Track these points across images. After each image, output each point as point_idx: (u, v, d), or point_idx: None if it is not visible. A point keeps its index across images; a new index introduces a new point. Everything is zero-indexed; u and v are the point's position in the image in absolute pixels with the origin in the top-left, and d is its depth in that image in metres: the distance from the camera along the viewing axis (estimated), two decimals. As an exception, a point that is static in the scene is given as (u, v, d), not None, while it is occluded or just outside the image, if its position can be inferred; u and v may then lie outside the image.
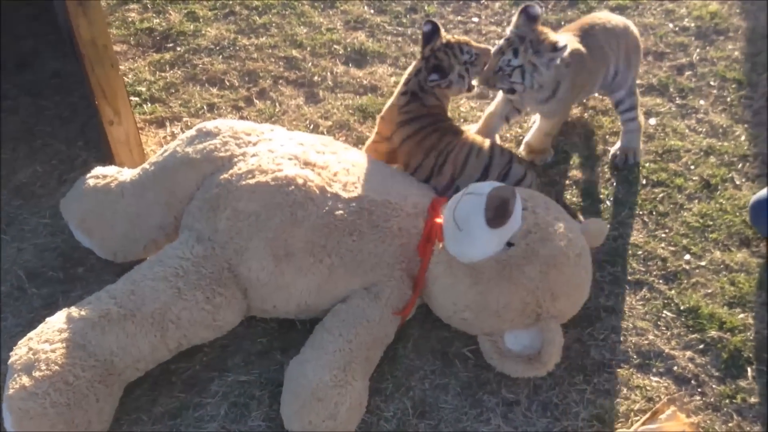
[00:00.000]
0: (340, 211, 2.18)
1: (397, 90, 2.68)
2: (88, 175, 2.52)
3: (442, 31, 2.64)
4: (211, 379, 2.18)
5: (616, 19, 2.79)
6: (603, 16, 2.80)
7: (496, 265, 2.07)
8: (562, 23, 3.72)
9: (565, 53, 2.44)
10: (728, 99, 3.17)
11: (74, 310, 2.02)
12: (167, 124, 3.25)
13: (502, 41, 2.54)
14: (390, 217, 2.23)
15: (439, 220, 2.18)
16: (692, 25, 3.65)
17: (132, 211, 2.37)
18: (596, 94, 3.07)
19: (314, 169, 2.26)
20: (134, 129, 2.83)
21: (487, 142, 2.54)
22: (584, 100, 3.10)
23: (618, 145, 2.88)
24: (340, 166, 2.31)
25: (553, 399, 2.12)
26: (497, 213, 2.00)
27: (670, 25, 3.66)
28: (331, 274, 2.15)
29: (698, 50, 3.47)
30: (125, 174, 2.48)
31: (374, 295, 2.16)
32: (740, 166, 2.84)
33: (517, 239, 2.08)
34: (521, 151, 2.88)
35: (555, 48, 2.43)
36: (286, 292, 2.16)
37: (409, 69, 2.66)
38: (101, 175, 2.49)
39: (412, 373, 2.20)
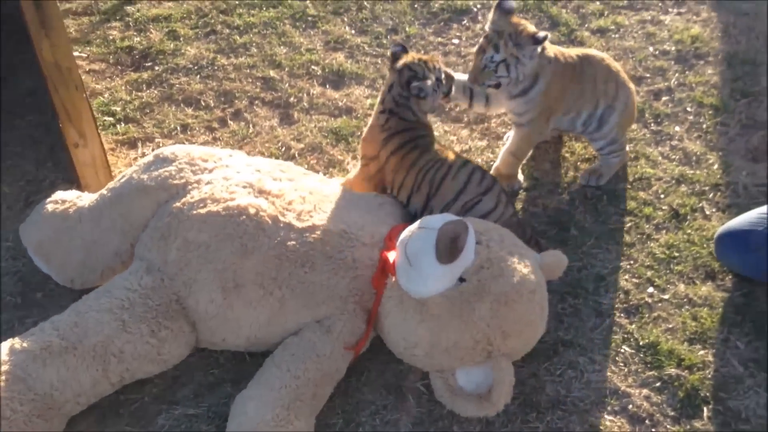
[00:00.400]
0: (293, 242, 2.15)
1: (374, 111, 2.67)
2: (48, 200, 2.51)
3: (411, 52, 2.63)
4: (159, 411, 2.16)
5: (624, 75, 2.80)
6: (614, 63, 2.80)
7: (447, 302, 2.04)
8: (542, 45, 3.69)
9: (546, 42, 2.50)
10: (704, 126, 3.14)
11: (17, 342, 2.00)
12: (139, 144, 3.24)
13: (481, 39, 2.57)
14: (344, 247, 2.20)
15: (391, 254, 2.15)
16: (673, 48, 3.62)
17: (89, 238, 2.36)
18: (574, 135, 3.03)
19: (268, 197, 2.24)
20: (101, 151, 2.82)
21: (469, 166, 2.49)
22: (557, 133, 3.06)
23: (593, 166, 2.87)
24: (296, 193, 2.29)
25: (505, 436, 2.08)
26: (448, 249, 1.98)
27: (651, 49, 3.63)
28: (281, 307, 2.13)
29: (677, 75, 3.43)
30: (84, 199, 2.47)
31: (326, 329, 2.13)
32: (711, 195, 2.80)
33: (469, 275, 2.05)
34: None
35: (535, 38, 2.47)
36: (235, 325, 2.13)
37: (383, 89, 2.65)
38: (60, 200, 2.49)
39: (363, 408, 2.17)
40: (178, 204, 2.24)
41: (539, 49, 2.52)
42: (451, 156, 2.52)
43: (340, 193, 2.41)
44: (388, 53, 2.60)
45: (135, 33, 3.98)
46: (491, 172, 2.85)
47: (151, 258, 2.19)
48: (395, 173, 2.54)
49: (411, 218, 2.45)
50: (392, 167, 2.55)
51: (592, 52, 2.79)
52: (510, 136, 2.87)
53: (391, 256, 2.14)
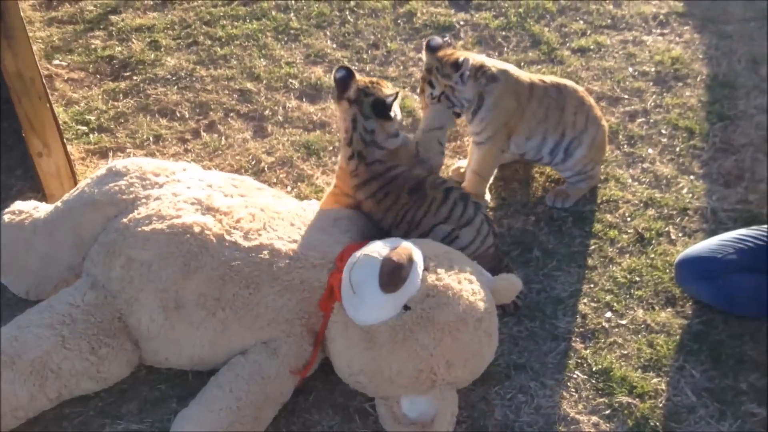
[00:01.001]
0: (238, 262, 2.13)
1: (341, 153, 2.52)
2: (6, 210, 2.51)
3: (357, 75, 2.52)
4: (103, 426, 2.14)
5: (598, 112, 2.81)
6: (588, 97, 2.82)
7: (390, 331, 2.01)
8: (522, 64, 3.68)
9: (468, 66, 2.56)
10: (677, 148, 3.11)
11: (-42, 354, 1.99)
12: (110, 154, 3.24)
13: (421, 79, 2.69)
14: (292, 269, 2.17)
15: (339, 278, 2.12)
16: (652, 69, 3.59)
17: (43, 250, 2.35)
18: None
19: (216, 215, 2.22)
20: (65, 161, 2.82)
21: (450, 200, 2.40)
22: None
23: (560, 188, 2.86)
24: (246, 211, 2.26)
25: (450, 461, 2.05)
26: (390, 278, 1.95)
27: (630, 70, 3.61)
28: (224, 329, 2.10)
29: (654, 96, 3.41)
30: (40, 211, 2.46)
31: (272, 351, 2.10)
32: (678, 220, 2.77)
33: (414, 303, 2.02)
34: None
35: (457, 65, 2.56)
36: (178, 345, 2.11)
37: (343, 128, 2.48)
38: (18, 210, 2.48)
39: (309, 429, 2.15)
40: (125, 220, 2.23)
41: (469, 73, 2.59)
42: (429, 194, 2.41)
43: (294, 210, 2.37)
44: (332, 79, 2.49)
45: (117, 42, 3.99)
46: None
47: (96, 274, 2.18)
48: (372, 213, 2.48)
49: (370, 233, 2.43)
50: (368, 209, 2.48)
51: (568, 82, 2.80)
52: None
53: (338, 280, 2.12)
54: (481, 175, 2.76)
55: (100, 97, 3.59)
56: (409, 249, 2.02)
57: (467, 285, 2.11)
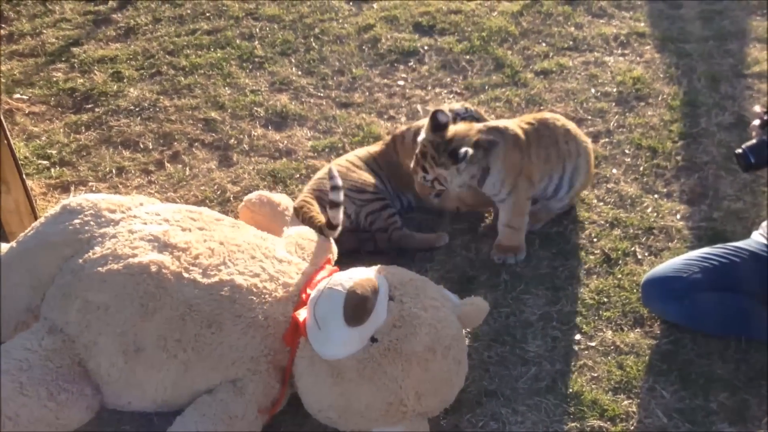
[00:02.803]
0: (198, 301, 2.07)
1: None
2: (-39, 250, 2.43)
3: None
4: (64, 470, 2.07)
5: (579, 131, 2.81)
6: (568, 122, 2.81)
7: (357, 365, 1.97)
8: (486, 87, 3.70)
9: (467, 159, 2.45)
10: (641, 168, 3.13)
11: None
12: (72, 189, 3.19)
13: (414, 157, 2.59)
14: (255, 305, 2.12)
15: (302, 312, 2.09)
16: (614, 90, 3.63)
17: None
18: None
19: (173, 252, 2.16)
20: (24, 197, 2.77)
21: None
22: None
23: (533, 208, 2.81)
24: (205, 245, 2.22)
25: (422, 493, 2.02)
26: (355, 311, 1.92)
27: (593, 91, 3.64)
28: (187, 370, 2.04)
29: (617, 116, 3.44)
30: (-2, 250, 2.39)
31: (239, 390, 2.05)
32: (644, 239, 2.78)
33: (381, 334, 1.99)
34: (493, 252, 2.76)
35: (456, 158, 2.46)
36: (140, 389, 2.05)
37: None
38: (-28, 251, 2.41)
39: (277, 465, 2.10)
40: (80, 261, 2.16)
41: (463, 165, 2.49)
42: None
43: (253, 241, 2.32)
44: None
45: (79, 74, 3.96)
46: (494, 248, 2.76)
47: (54, 318, 2.12)
48: None
49: (330, 256, 2.43)
50: None
51: (546, 114, 2.79)
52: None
53: (302, 314, 2.09)
54: (514, 227, 2.69)
55: (61, 130, 3.55)
56: (372, 280, 1.99)
57: (434, 312, 2.09)
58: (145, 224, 2.27)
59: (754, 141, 2.13)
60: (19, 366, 2.00)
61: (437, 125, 2.53)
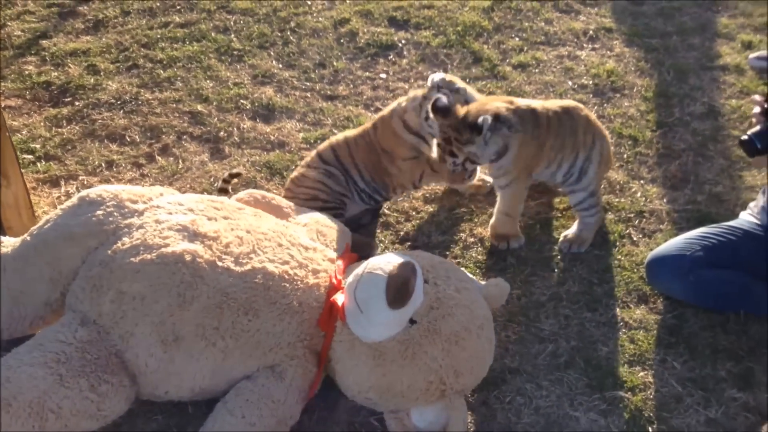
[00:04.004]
0: (233, 289, 2.08)
1: None
2: (-32, 247, 2.35)
3: None
4: (102, 462, 2.05)
5: (599, 124, 2.79)
6: (591, 113, 2.79)
7: (399, 346, 2.03)
8: (468, 80, 3.79)
9: (488, 125, 2.44)
10: (624, 155, 3.28)
11: (-56, 398, 1.86)
12: (62, 183, 3.12)
13: (435, 147, 2.64)
14: (289, 291, 2.14)
15: (338, 297, 2.12)
16: (590, 82, 3.79)
17: (15, 288, 2.22)
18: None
19: (204, 241, 2.15)
20: (23, 191, 2.70)
21: None
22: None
23: (571, 231, 2.82)
24: (233, 234, 2.22)
25: (460, 467, 2.09)
26: (398, 294, 1.97)
27: (569, 83, 3.79)
28: (226, 358, 2.05)
29: (596, 107, 3.59)
30: (6, 244, 2.32)
31: (278, 375, 2.07)
32: (637, 222, 2.92)
33: (420, 316, 2.05)
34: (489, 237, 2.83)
35: (477, 128, 2.44)
36: (178, 378, 2.05)
37: None
38: (-19, 246, 2.34)
39: (316, 447, 2.13)
40: (108, 252, 2.14)
41: (490, 129, 2.45)
42: None
43: (277, 229, 2.34)
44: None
45: (52, 68, 3.85)
46: (489, 233, 2.82)
47: (84, 310, 2.08)
48: None
49: (345, 240, 2.49)
50: None
51: (572, 104, 2.75)
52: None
53: (339, 298, 2.12)
54: (510, 215, 2.74)
55: (42, 124, 3.45)
56: (411, 263, 2.05)
57: (466, 294, 2.17)
58: (171, 214, 2.26)
59: (758, 128, 2.28)
60: (57, 358, 1.97)
61: (443, 110, 2.52)
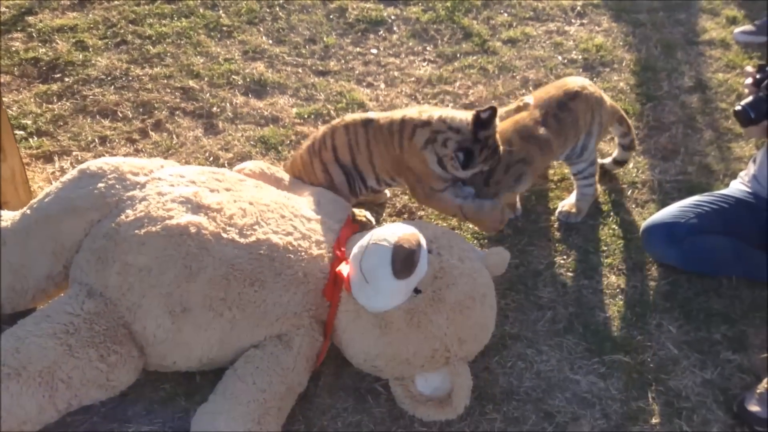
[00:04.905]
0: (239, 260, 2.09)
1: None
2: (-33, 221, 2.34)
3: None
4: (111, 430, 2.06)
5: (597, 94, 2.74)
6: (583, 84, 2.71)
7: (404, 315, 2.06)
8: (459, 55, 3.81)
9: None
10: (616, 128, 3.32)
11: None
12: (56, 158, 3.10)
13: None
14: (293, 262, 2.16)
15: (343, 267, 2.14)
16: (579, 57, 3.82)
17: (15, 261, 2.21)
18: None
19: (208, 213, 2.15)
20: (20, 166, 2.68)
21: None
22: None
23: (568, 201, 2.85)
24: (236, 206, 2.22)
25: (465, 430, 2.13)
26: (404, 264, 1.99)
27: (559, 58, 3.82)
28: (233, 328, 2.07)
29: (586, 81, 3.62)
30: (5, 218, 2.31)
31: (286, 344, 2.09)
32: (630, 192, 2.98)
33: (425, 285, 2.08)
34: None
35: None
36: (186, 348, 2.06)
37: None
38: (-22, 221, 2.32)
39: (324, 413, 2.16)
40: (112, 224, 2.14)
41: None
42: None
43: (279, 200, 2.34)
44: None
45: (40, 44, 3.80)
46: None
47: (90, 282, 2.08)
48: None
49: (344, 210, 2.50)
50: None
51: (570, 91, 2.66)
52: None
53: (344, 269, 2.14)
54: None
55: (32, 100, 3.41)
56: (416, 233, 2.07)
57: (468, 263, 2.20)
58: (173, 186, 2.26)
59: (750, 98, 2.33)
60: (65, 329, 1.98)
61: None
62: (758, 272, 2.52)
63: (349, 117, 2.64)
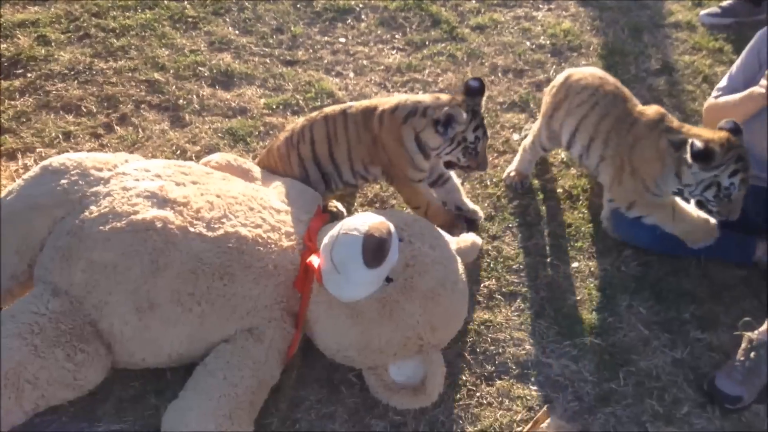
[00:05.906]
0: (207, 254, 2.07)
1: None
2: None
3: None
4: (81, 430, 2.03)
5: (593, 78, 2.75)
6: (590, 77, 2.74)
7: (376, 304, 2.05)
8: (427, 43, 3.79)
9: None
10: (585, 112, 3.33)
11: None
12: (19, 156, 3.04)
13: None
14: (263, 255, 2.14)
15: (314, 258, 2.13)
16: (548, 42, 3.82)
17: None
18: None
19: (174, 207, 2.13)
20: (-18, 164, 2.61)
21: None
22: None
23: (511, 167, 2.92)
24: (203, 199, 2.19)
25: (440, 417, 2.13)
26: (375, 253, 1.98)
27: (528, 43, 3.82)
28: (203, 323, 2.05)
29: (555, 67, 3.63)
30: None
31: (257, 337, 2.08)
32: (598, 176, 2.98)
33: (396, 274, 2.08)
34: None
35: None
36: (155, 345, 2.04)
37: None
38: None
39: (298, 405, 2.15)
40: (76, 221, 2.10)
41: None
42: None
43: (247, 192, 2.32)
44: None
45: (0, 39, 3.71)
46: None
47: (55, 281, 2.05)
48: None
49: (313, 201, 2.48)
50: None
51: (574, 77, 2.74)
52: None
53: (314, 260, 2.12)
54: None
55: (-7, 96, 3.34)
56: (386, 222, 2.06)
57: (440, 251, 2.20)
58: (138, 181, 2.23)
59: None
60: (30, 329, 1.94)
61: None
62: (726, 252, 2.54)
63: (329, 109, 2.64)
